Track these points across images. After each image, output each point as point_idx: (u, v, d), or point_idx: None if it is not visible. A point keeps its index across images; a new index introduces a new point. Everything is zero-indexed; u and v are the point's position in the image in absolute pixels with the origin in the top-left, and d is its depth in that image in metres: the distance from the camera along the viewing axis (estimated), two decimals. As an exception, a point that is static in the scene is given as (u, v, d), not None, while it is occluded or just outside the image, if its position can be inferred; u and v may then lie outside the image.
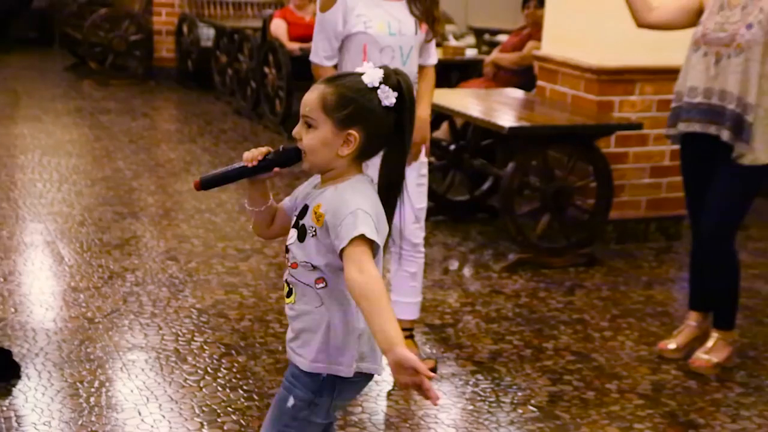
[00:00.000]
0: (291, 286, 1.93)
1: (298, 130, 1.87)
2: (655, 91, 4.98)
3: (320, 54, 3.29)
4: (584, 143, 4.74)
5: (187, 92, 9.51)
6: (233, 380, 3.27)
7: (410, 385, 1.69)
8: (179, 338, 3.60)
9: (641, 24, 3.67)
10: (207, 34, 9.34)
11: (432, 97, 3.45)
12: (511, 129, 4.50)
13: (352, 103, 1.83)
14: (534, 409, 3.18)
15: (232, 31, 8.65)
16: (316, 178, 1.95)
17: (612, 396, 3.30)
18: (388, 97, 1.84)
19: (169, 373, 3.30)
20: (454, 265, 4.78)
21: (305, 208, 1.90)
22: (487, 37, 8.57)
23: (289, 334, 1.97)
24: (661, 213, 5.17)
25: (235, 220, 5.22)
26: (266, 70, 7.75)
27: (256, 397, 3.14)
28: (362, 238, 1.77)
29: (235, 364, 3.39)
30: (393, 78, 1.86)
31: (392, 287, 3.49)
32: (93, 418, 2.96)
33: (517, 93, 5.59)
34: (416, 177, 3.37)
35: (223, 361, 3.42)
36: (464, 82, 6.81)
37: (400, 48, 3.24)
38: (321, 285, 1.88)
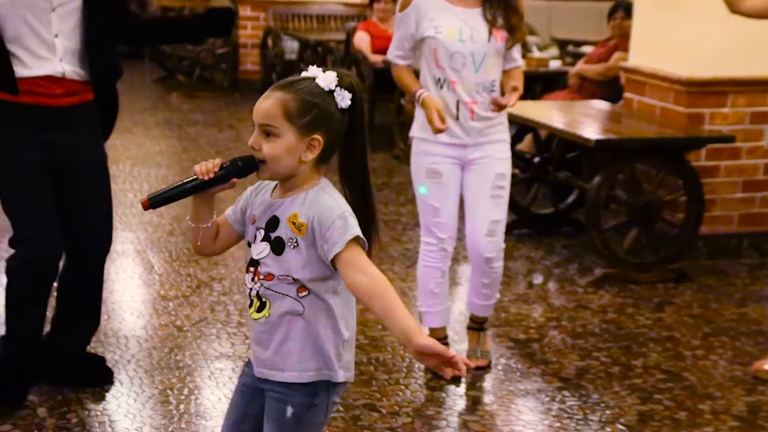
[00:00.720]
0: (264, 299, 1.89)
1: (256, 140, 1.84)
2: (748, 103, 4.86)
3: (394, 52, 3.39)
4: (674, 157, 4.65)
5: (271, 104, 9.63)
6: (319, 391, 3.29)
7: (440, 367, 1.72)
8: (265, 348, 3.64)
9: (734, 11, 3.57)
10: (291, 46, 9.46)
11: (521, 80, 3.39)
12: (599, 142, 4.44)
13: (314, 108, 1.83)
14: (623, 428, 3.12)
15: (315, 44, 8.75)
16: (264, 187, 1.93)
17: (705, 417, 3.22)
18: (343, 99, 1.85)
19: (256, 382, 3.34)
20: (538, 279, 4.73)
21: (275, 220, 1.86)
22: (570, 48, 8.49)
23: (263, 353, 1.91)
24: (755, 228, 5.03)
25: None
26: (350, 82, 7.79)
27: (342, 409, 3.16)
28: (356, 240, 1.80)
29: (321, 375, 3.41)
30: (346, 80, 1.88)
31: (469, 285, 3.55)
32: (183, 425, 3.01)
33: (603, 105, 5.51)
34: (491, 188, 3.34)
35: (309, 371, 3.44)
36: (548, 94, 6.74)
37: (471, 54, 3.24)
38: (304, 293, 1.86)
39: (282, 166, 1.84)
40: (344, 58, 7.95)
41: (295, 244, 1.83)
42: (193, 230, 1.95)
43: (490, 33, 3.25)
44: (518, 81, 3.35)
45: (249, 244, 1.92)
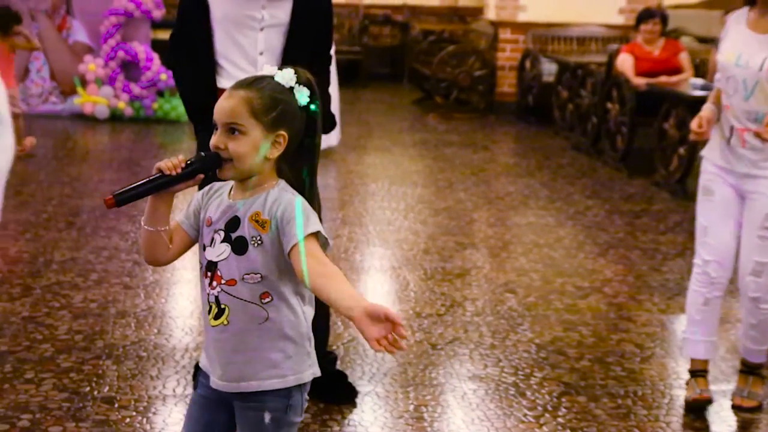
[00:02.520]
0: (223, 305, 1.87)
1: (221, 139, 1.83)
2: None
3: (715, 77, 3.35)
4: None
5: (525, 127, 9.62)
6: (573, 421, 3.21)
7: (383, 339, 1.67)
8: (518, 372, 3.60)
9: None
10: (549, 69, 9.39)
11: None
12: None
13: (279, 105, 1.84)
14: None
15: (575, 66, 8.63)
16: (217, 190, 1.92)
17: None
18: (303, 95, 1.87)
19: (509, 406, 3.31)
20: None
21: (235, 220, 1.85)
22: None
23: (225, 364, 1.89)
24: None
25: (574, 257, 5.16)
26: (609, 105, 7.63)
27: (596, 441, 3.06)
28: (316, 236, 1.79)
29: (575, 405, 3.33)
30: (303, 76, 1.89)
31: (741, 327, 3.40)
32: (436, 443, 3.04)
33: None
34: (758, 228, 3.18)
35: (563, 400, 3.37)
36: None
37: (743, 81, 3.13)
38: (267, 300, 1.86)
39: (247, 164, 1.84)
40: (605, 80, 7.78)
41: (259, 242, 1.83)
42: (149, 235, 1.89)
43: (764, 62, 3.08)
44: None
45: (204, 248, 1.91)
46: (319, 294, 1.77)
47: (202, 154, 1.86)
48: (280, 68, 1.89)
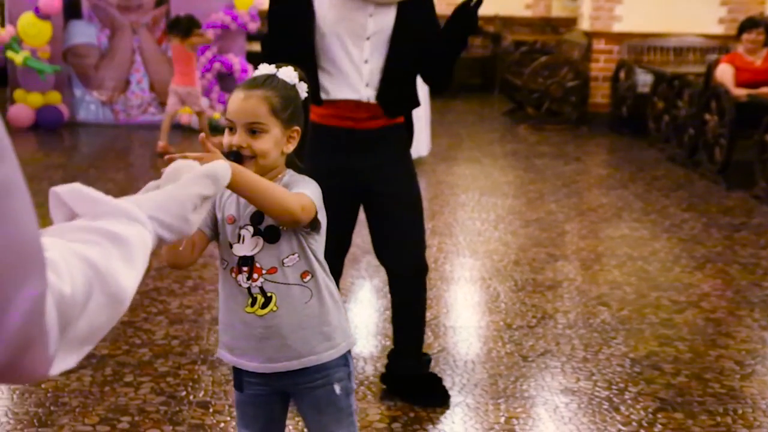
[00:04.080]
0: (269, 293, 1.93)
1: (243, 138, 1.88)
2: None
3: None
4: None
5: (619, 138, 9.46)
6: (670, 438, 3.14)
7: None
8: (612, 386, 3.54)
9: None
10: (644, 80, 9.22)
11: None
12: None
13: (293, 102, 1.95)
14: None
15: (671, 77, 8.45)
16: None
17: None
18: (303, 90, 2.00)
19: (602, 421, 3.25)
20: None
21: (259, 213, 1.91)
22: None
23: (278, 348, 1.95)
24: None
25: (669, 270, 5.04)
26: (707, 116, 7.44)
27: (693, 459, 2.98)
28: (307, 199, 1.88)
29: (672, 421, 3.25)
30: (299, 72, 2.00)
31: None
32: (527, 456, 3.00)
33: None
34: None
35: (659, 416, 3.29)
36: None
37: None
38: (308, 278, 1.94)
39: (270, 160, 1.91)
40: (703, 91, 7.60)
41: (285, 228, 1.92)
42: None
43: None
44: None
45: (230, 246, 1.94)
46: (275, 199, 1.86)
47: (226, 153, 1.91)
48: (277, 66, 1.99)
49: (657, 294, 4.64)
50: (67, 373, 3.42)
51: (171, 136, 8.69)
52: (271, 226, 1.92)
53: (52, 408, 3.17)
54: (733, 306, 4.51)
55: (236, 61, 9.23)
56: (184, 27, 7.97)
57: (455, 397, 3.39)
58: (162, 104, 9.54)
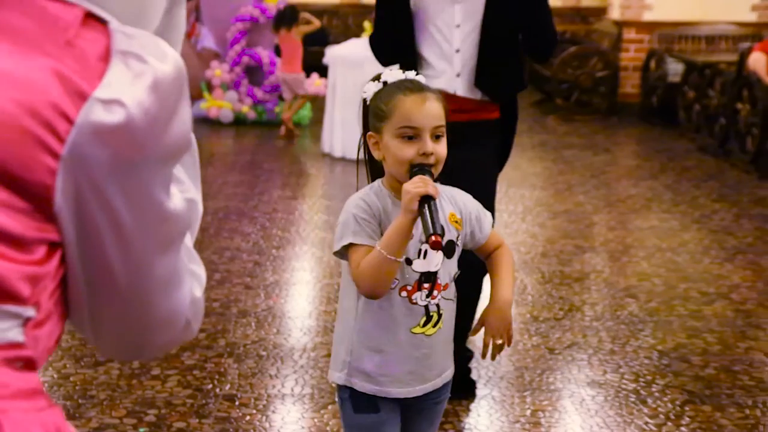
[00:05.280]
0: (441, 310, 1.90)
1: (431, 145, 1.81)
2: None
3: None
4: None
5: (649, 128, 9.37)
6: (698, 430, 3.10)
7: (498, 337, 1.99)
8: (639, 379, 3.51)
9: None
10: (675, 69, 9.13)
11: None
12: None
13: None
14: None
15: (703, 66, 8.36)
16: (376, 201, 1.85)
17: None
18: None
19: (629, 413, 3.23)
20: None
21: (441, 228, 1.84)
22: None
23: (432, 366, 1.92)
24: None
25: (699, 262, 4.99)
26: (739, 106, 7.35)
27: (721, 453, 2.95)
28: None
29: (699, 414, 3.22)
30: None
31: None
32: (552, 449, 2.99)
33: None
34: None
35: (686, 408, 3.27)
36: None
37: None
38: (453, 289, 1.95)
39: (441, 166, 1.85)
40: (735, 80, 7.50)
41: (458, 241, 1.91)
42: (392, 267, 1.78)
43: None
44: None
45: (409, 262, 1.86)
46: (494, 270, 1.96)
47: (422, 170, 1.80)
48: (391, 70, 1.95)
49: (686, 286, 4.60)
50: (94, 367, 3.46)
51: (200, 129, 8.75)
52: (450, 241, 1.87)
53: (80, 401, 3.21)
54: (763, 297, 4.46)
55: (265, 54, 9.25)
56: (288, 17, 8.43)
57: (481, 390, 3.38)
58: (191, 97, 9.57)
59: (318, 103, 9.05)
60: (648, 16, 9.89)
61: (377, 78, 1.93)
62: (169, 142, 0.85)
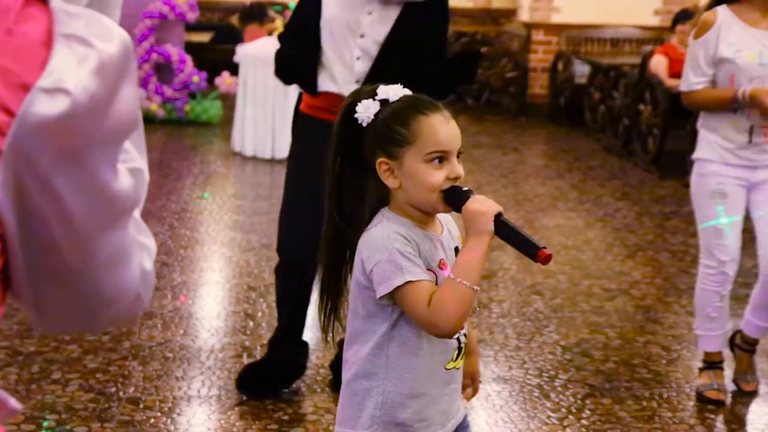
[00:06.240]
0: (462, 343, 1.76)
1: (459, 167, 1.69)
2: None
3: (693, 80, 3.29)
4: None
5: (557, 128, 9.57)
6: (597, 423, 3.19)
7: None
8: (543, 374, 3.59)
9: None
10: (581, 70, 9.34)
11: None
12: None
13: None
14: None
15: (608, 68, 8.58)
16: (401, 231, 1.67)
17: None
18: None
19: (533, 408, 3.30)
20: None
21: (457, 251, 1.75)
22: None
23: (450, 406, 1.76)
24: None
25: (602, 259, 5.12)
26: (641, 107, 7.57)
27: (619, 444, 3.04)
28: None
29: (600, 407, 3.31)
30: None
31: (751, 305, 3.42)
32: (457, 444, 3.03)
33: None
34: None
35: (587, 402, 3.35)
36: None
37: None
38: None
39: None
40: (638, 82, 7.72)
41: None
42: (474, 296, 1.66)
43: None
44: None
45: None
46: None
47: (450, 190, 1.69)
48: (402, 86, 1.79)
49: (589, 282, 4.72)
50: (-7, 371, 3.36)
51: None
52: None
53: (-23, 407, 3.11)
54: (661, 293, 4.60)
55: (174, 51, 9.12)
56: (260, 13, 8.51)
57: (388, 388, 3.40)
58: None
59: (229, 101, 8.96)
60: (556, 19, 10.10)
61: (371, 95, 1.74)
62: (115, 124, 0.83)
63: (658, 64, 7.29)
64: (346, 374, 1.79)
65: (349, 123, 1.75)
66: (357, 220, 1.75)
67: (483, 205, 1.65)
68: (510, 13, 12.25)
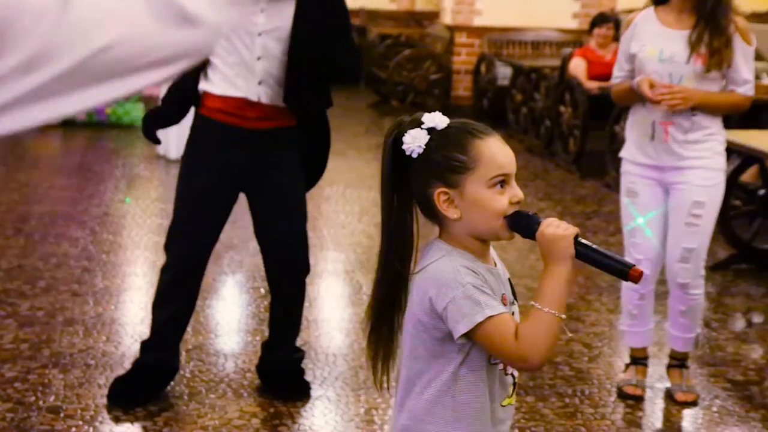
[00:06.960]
0: (515, 380, 1.72)
1: (520, 190, 1.64)
2: None
3: (616, 74, 3.43)
4: None
5: (481, 130, 9.66)
6: (522, 420, 3.24)
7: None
8: (468, 373, 3.62)
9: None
10: (504, 73, 9.46)
11: (715, 97, 3.27)
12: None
13: None
14: None
15: (529, 70, 8.70)
16: (464, 264, 1.62)
17: None
18: None
19: (458, 407, 3.32)
20: (758, 317, 4.44)
21: (511, 284, 1.72)
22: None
23: None
24: None
25: (526, 258, 5.20)
26: (562, 108, 7.70)
27: (543, 441, 3.09)
28: None
29: (524, 405, 3.36)
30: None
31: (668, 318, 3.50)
32: (384, 445, 3.04)
33: (839, 135, 5.12)
34: (686, 216, 3.27)
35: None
36: (776, 123, 6.35)
37: (669, 75, 3.21)
38: None
39: None
40: (558, 84, 7.86)
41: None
42: (560, 325, 1.60)
43: (690, 55, 3.18)
44: (705, 93, 3.20)
45: None
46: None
47: (518, 214, 1.65)
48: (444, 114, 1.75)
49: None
50: None
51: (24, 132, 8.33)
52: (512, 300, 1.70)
53: None
54: (583, 291, 4.69)
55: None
56: None
57: (316, 390, 3.40)
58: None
59: (152, 103, 8.82)
60: (478, 21, 10.21)
61: (417, 125, 1.67)
62: None
63: (577, 66, 7.43)
64: (402, 419, 1.69)
65: (395, 157, 1.66)
66: (406, 258, 1.68)
67: (560, 229, 1.60)
68: (433, 16, 12.35)
